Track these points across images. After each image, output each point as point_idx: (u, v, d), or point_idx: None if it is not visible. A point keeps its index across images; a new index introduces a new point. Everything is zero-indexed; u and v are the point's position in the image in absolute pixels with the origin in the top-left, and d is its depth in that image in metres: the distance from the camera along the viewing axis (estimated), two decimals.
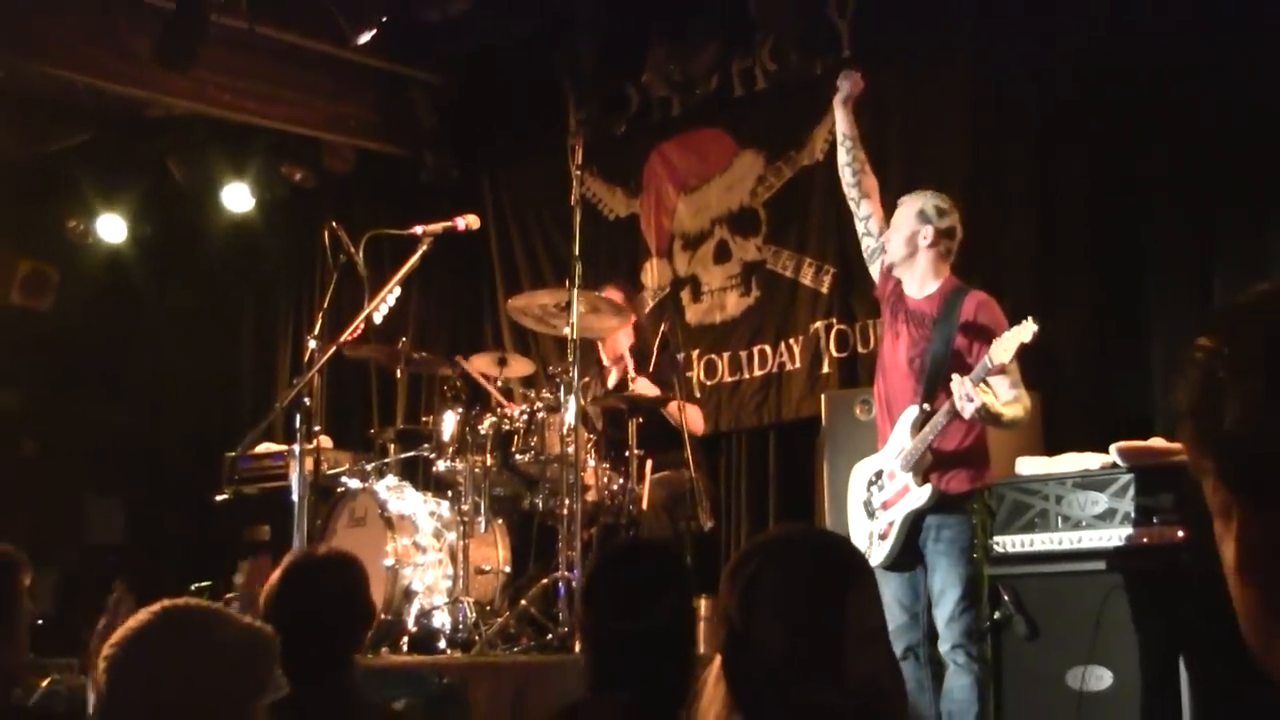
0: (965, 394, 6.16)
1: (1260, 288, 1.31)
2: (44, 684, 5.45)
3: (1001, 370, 6.27)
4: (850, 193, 7.07)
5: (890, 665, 2.86)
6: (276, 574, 4.33)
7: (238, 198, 11.80)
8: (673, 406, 8.10)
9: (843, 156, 7.11)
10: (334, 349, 7.40)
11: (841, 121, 7.17)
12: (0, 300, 12.60)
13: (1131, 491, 6.42)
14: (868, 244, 6.96)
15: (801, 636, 2.60)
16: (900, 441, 6.54)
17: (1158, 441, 6.64)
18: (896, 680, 2.90)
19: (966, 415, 6.24)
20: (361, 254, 7.61)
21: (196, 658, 3.12)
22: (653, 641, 3.43)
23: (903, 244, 6.70)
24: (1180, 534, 6.19)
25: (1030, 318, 6.15)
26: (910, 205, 6.72)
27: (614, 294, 8.56)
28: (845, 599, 2.66)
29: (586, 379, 8.53)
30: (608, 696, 3.43)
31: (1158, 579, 6.19)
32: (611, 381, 8.82)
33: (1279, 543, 1.21)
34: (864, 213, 7.02)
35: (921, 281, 6.70)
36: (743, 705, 2.59)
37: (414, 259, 7.68)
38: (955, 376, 6.23)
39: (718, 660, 2.67)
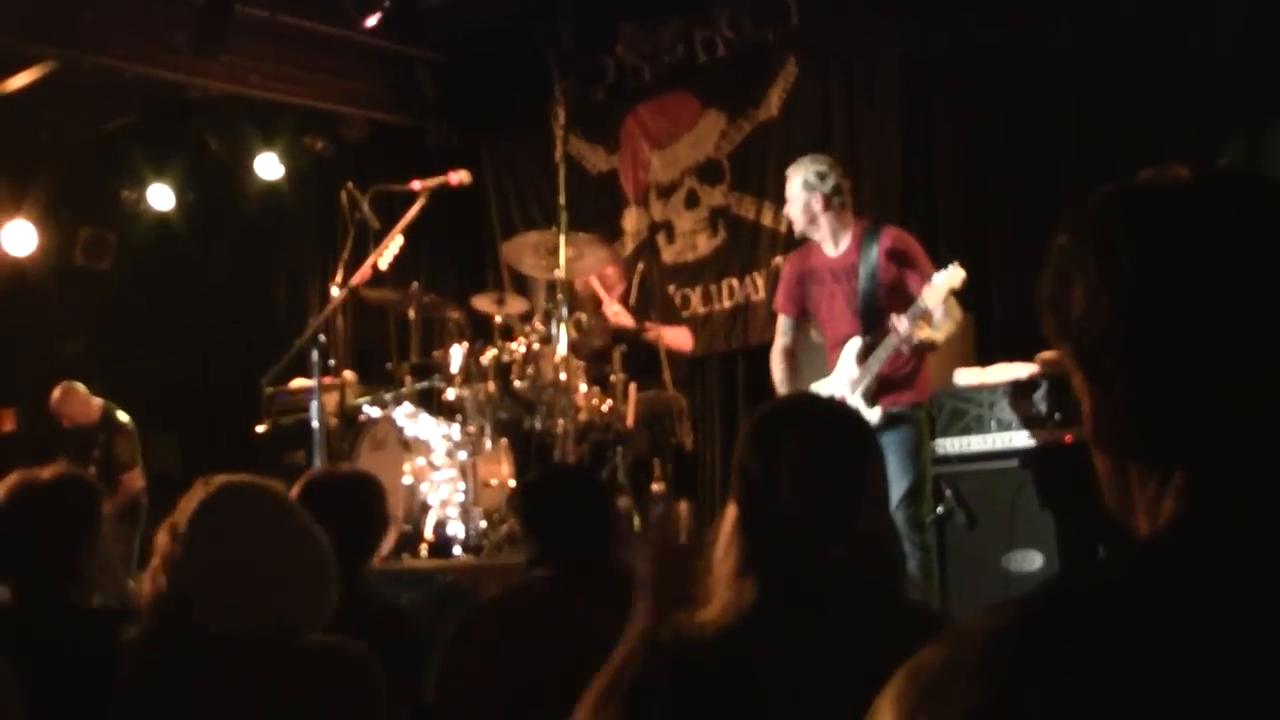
0: (904, 334, 6.15)
1: (1104, 188, 1.25)
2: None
3: (931, 313, 6.26)
4: None
5: (890, 530, 2.78)
6: (296, 488, 4.21)
7: (268, 167, 11.74)
8: (652, 334, 8.02)
9: None
10: (346, 293, 7.39)
11: None
12: (65, 262, 12.57)
13: (1055, 396, 6.37)
14: None
15: (820, 495, 2.47)
16: (847, 369, 6.50)
17: None
18: (895, 542, 2.82)
19: (907, 352, 6.23)
20: (369, 209, 7.58)
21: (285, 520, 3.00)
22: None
23: (800, 215, 6.70)
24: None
25: (957, 263, 6.15)
26: (794, 179, 6.69)
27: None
28: (861, 466, 2.55)
29: (580, 315, 8.45)
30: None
31: (1079, 472, 6.14)
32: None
33: (1119, 415, 1.21)
34: None
35: (834, 239, 6.69)
36: (757, 556, 2.44)
37: (413, 210, 7.64)
38: (894, 316, 6.22)
39: (731, 513, 2.51)
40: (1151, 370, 1.16)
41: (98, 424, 10.34)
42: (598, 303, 8.51)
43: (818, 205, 6.58)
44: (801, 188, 6.62)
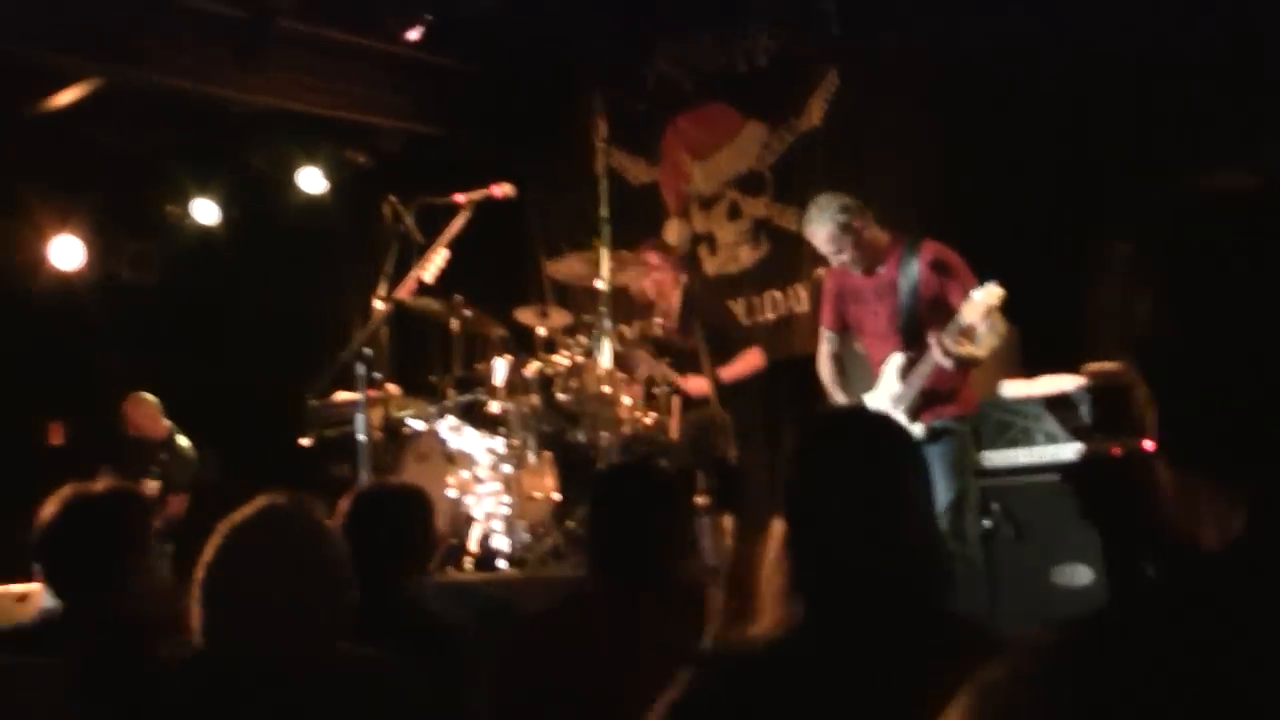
0: (944, 350, 6.12)
1: (1169, 196, 1.25)
2: None
3: (972, 329, 6.20)
4: None
5: (939, 544, 2.73)
6: (347, 502, 4.22)
7: (310, 180, 11.82)
8: (691, 384, 8.02)
9: None
10: (390, 306, 7.40)
11: None
12: (111, 276, 12.65)
13: (1102, 408, 6.33)
14: None
15: (866, 510, 2.43)
16: (889, 385, 6.49)
17: None
18: (945, 557, 2.78)
19: (949, 367, 6.20)
20: (413, 222, 7.60)
21: (297, 551, 3.02)
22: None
23: (852, 250, 6.65)
24: (1148, 444, 6.10)
25: (994, 281, 6.10)
26: (822, 229, 6.65)
27: (652, 255, 8.50)
28: (906, 479, 2.51)
29: (623, 328, 8.43)
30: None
31: (1126, 485, 6.11)
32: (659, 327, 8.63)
33: (1185, 429, 1.20)
34: None
35: (875, 260, 6.67)
36: (805, 572, 2.41)
37: (458, 223, 7.66)
38: (933, 334, 6.19)
39: (778, 529, 2.48)
40: (1216, 384, 1.15)
41: (162, 442, 10.58)
42: (648, 306, 8.51)
43: (869, 232, 6.58)
44: (839, 232, 6.58)
